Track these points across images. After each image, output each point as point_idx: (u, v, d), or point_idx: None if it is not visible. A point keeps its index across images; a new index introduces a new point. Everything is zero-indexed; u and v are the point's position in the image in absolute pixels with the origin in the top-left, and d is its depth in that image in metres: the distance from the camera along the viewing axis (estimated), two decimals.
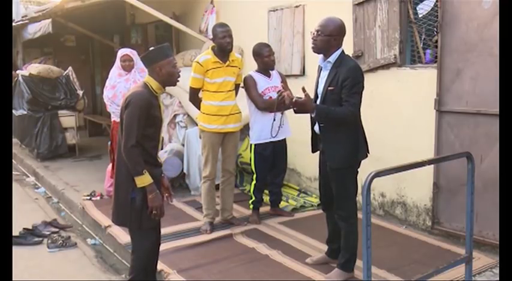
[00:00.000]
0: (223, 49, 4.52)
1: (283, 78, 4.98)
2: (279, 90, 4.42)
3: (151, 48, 3.16)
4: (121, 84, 5.32)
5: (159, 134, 3.21)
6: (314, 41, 3.47)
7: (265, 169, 4.87)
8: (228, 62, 4.55)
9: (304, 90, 3.41)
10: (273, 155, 4.85)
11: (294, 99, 3.43)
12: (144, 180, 3.02)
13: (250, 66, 5.52)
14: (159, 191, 3.18)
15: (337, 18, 3.50)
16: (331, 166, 3.49)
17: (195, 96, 4.66)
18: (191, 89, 4.62)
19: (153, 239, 3.23)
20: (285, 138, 4.88)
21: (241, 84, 4.85)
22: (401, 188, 4.80)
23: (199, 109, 4.68)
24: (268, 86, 4.77)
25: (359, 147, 3.48)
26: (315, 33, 3.45)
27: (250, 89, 4.75)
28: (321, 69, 3.60)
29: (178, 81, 3.23)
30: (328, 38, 3.41)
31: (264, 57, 4.77)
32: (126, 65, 5.36)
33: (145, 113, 3.02)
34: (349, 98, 3.34)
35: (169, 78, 3.15)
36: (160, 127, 3.22)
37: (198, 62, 4.51)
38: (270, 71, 4.85)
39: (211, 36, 6.98)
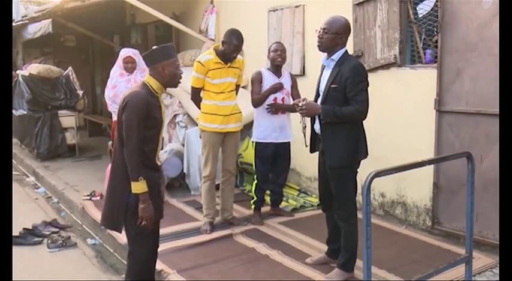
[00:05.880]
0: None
1: (294, 80, 4.90)
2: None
3: (155, 47, 3.10)
4: (122, 84, 5.32)
5: (159, 136, 3.12)
6: (320, 39, 3.49)
7: (265, 168, 4.85)
8: (229, 63, 4.55)
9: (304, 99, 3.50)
10: (274, 155, 4.84)
11: (300, 104, 3.45)
12: (138, 187, 2.94)
13: (250, 67, 5.52)
14: (158, 193, 3.14)
15: (342, 17, 3.53)
16: (331, 165, 3.49)
17: (196, 96, 4.65)
18: (193, 88, 4.61)
19: (150, 243, 3.17)
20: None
21: (243, 84, 4.85)
22: (401, 188, 4.80)
23: (199, 108, 4.67)
24: None
25: (359, 146, 3.48)
26: (321, 31, 3.47)
27: (253, 83, 4.76)
28: (323, 68, 3.61)
29: (180, 82, 3.15)
30: (334, 35, 3.43)
31: (270, 52, 4.76)
32: (129, 67, 5.36)
33: (144, 114, 2.95)
34: (356, 96, 3.35)
35: (171, 80, 3.08)
36: (160, 129, 3.13)
37: (199, 62, 4.50)
38: (282, 71, 4.82)
39: (211, 36, 7.06)
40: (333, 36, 3.43)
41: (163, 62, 3.02)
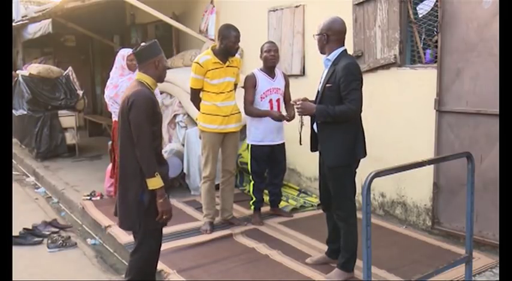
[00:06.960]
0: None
1: (287, 80, 4.90)
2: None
3: (143, 44, 3.15)
4: (124, 84, 5.30)
5: (161, 130, 3.22)
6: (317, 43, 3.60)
7: (261, 168, 4.84)
8: (227, 63, 4.55)
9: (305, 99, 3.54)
10: (271, 157, 4.83)
11: (297, 103, 3.47)
12: (155, 183, 2.98)
13: (250, 67, 5.52)
14: (166, 188, 3.15)
15: (331, 17, 3.57)
16: (328, 164, 3.50)
17: (196, 97, 4.65)
18: (192, 89, 4.61)
19: (156, 242, 3.21)
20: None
21: (240, 85, 4.84)
22: (401, 188, 4.80)
23: (198, 109, 4.67)
24: (270, 87, 4.71)
25: (356, 146, 3.49)
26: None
27: (246, 88, 4.72)
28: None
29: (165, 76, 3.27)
30: (319, 36, 3.53)
31: (264, 52, 4.72)
32: (133, 64, 5.34)
33: (151, 111, 3.01)
34: (348, 95, 3.36)
35: (164, 73, 3.18)
36: (161, 124, 3.22)
37: (198, 63, 4.49)
38: (275, 71, 4.79)
39: (211, 36, 7.06)
40: (318, 37, 3.54)
41: (158, 56, 3.12)
